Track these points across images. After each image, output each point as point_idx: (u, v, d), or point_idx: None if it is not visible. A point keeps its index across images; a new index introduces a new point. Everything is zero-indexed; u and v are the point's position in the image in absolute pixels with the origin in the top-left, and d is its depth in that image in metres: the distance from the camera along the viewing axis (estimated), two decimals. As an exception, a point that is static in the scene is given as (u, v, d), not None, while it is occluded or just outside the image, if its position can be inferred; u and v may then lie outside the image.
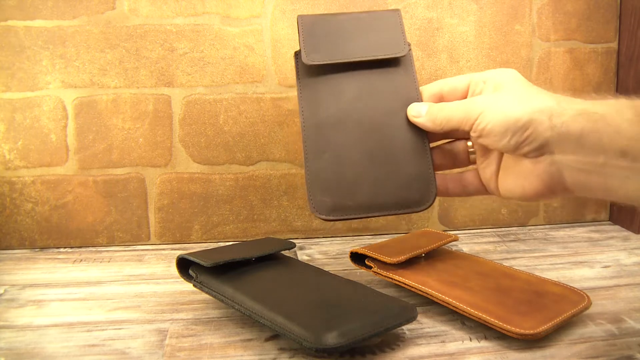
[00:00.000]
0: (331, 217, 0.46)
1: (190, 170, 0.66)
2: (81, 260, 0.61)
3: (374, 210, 0.46)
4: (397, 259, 0.51)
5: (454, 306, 0.45)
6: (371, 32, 0.50)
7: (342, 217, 0.46)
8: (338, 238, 0.68)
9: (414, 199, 0.46)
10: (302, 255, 0.63)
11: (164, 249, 0.65)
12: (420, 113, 0.46)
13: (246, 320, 0.47)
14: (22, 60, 0.62)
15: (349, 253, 0.54)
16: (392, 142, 0.47)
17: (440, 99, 0.47)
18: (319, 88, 0.48)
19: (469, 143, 0.48)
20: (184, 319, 0.47)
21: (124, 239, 0.66)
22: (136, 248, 0.65)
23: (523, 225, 0.72)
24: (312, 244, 0.66)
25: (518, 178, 0.42)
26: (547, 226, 0.72)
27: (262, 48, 0.65)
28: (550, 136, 0.39)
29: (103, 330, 0.46)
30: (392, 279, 0.50)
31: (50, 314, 0.48)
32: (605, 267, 0.58)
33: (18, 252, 0.64)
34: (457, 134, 0.48)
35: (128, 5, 0.63)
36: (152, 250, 0.65)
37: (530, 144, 0.40)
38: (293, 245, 0.53)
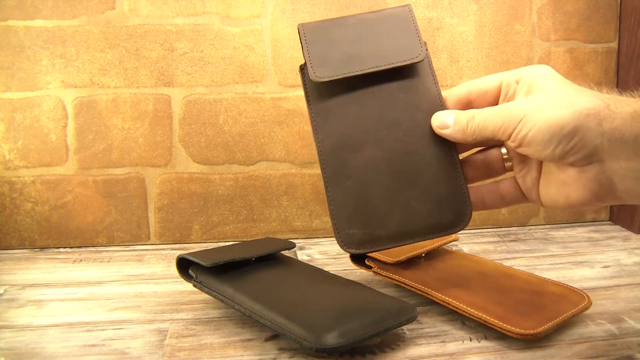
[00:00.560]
0: (362, 250, 0.43)
1: (190, 170, 0.66)
2: (81, 260, 0.61)
3: (407, 239, 0.42)
4: (397, 259, 0.51)
5: (454, 306, 0.45)
6: (382, 36, 0.44)
7: (373, 249, 0.43)
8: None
9: (447, 221, 0.42)
10: (302, 255, 0.63)
11: (163, 249, 0.65)
12: (447, 123, 0.41)
13: (246, 320, 0.47)
14: (22, 60, 0.62)
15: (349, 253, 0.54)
16: (418, 160, 0.42)
17: (468, 104, 0.43)
18: (331, 107, 0.44)
19: (504, 150, 0.43)
20: (184, 319, 0.47)
21: (124, 239, 0.66)
22: (136, 248, 0.65)
23: (523, 225, 0.72)
24: (312, 244, 0.66)
25: (562, 187, 0.38)
26: (547, 226, 0.72)
27: (262, 48, 0.65)
28: (600, 143, 0.35)
29: (103, 330, 0.46)
30: (392, 278, 0.50)
31: (50, 314, 0.48)
32: (606, 267, 0.58)
33: (18, 252, 0.64)
34: (490, 142, 0.44)
35: (128, 5, 0.63)
36: (152, 250, 0.65)
37: (577, 153, 0.36)
38: (293, 245, 0.53)
